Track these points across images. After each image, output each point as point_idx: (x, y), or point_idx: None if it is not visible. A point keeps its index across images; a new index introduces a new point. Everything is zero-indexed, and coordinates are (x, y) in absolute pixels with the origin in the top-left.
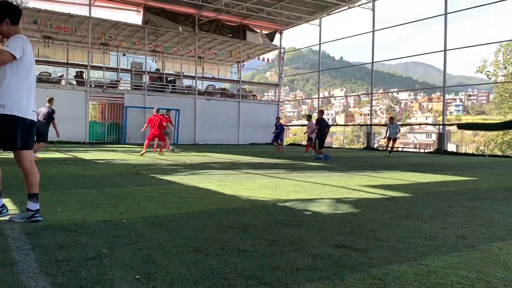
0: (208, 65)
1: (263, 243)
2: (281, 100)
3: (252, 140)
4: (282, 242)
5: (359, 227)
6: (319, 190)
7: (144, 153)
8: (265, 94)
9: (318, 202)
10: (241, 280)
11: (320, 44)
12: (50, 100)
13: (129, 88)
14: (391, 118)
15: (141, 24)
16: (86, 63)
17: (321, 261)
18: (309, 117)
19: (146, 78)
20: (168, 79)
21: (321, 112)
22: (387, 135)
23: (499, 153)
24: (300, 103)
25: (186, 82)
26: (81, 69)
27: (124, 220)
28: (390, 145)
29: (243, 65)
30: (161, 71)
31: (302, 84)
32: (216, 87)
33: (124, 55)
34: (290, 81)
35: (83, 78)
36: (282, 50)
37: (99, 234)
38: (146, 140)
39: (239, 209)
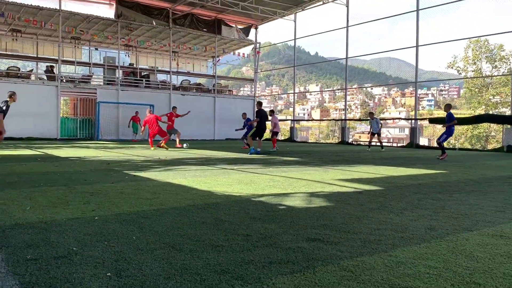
0: (183, 59)
1: (236, 238)
2: (257, 95)
3: (228, 135)
4: (255, 236)
5: (332, 220)
6: (294, 185)
7: (154, 148)
8: (241, 89)
9: (292, 196)
10: (214, 275)
11: (295, 39)
12: (11, 96)
13: (101, 83)
14: (371, 114)
15: (113, 18)
16: (57, 58)
17: (294, 255)
18: (271, 112)
19: (119, 73)
20: (142, 74)
21: (259, 104)
22: (371, 131)
23: (469, 147)
24: (276, 98)
25: (161, 77)
26: (51, 64)
27: (96, 217)
28: (376, 140)
29: (219, 59)
30: (134, 65)
31: (278, 79)
32: (191, 82)
33: (96, 49)
34: (266, 76)
35: (53, 73)
36: (258, 45)
37: (70, 232)
38: (149, 139)
39: (213, 205)
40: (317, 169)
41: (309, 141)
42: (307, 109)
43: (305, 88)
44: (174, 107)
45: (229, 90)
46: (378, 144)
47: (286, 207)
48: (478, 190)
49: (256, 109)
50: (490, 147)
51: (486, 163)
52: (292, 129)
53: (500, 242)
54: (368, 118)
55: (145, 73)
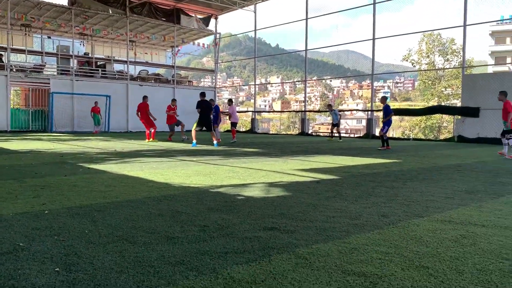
0: (140, 49)
1: (193, 229)
2: (218, 86)
3: (189, 127)
4: (212, 227)
5: (289, 209)
6: (253, 176)
7: (153, 140)
8: (202, 80)
9: (251, 187)
10: (168, 267)
11: (255, 30)
12: None
13: (55, 73)
14: (329, 106)
15: (67, 5)
16: (6, 46)
17: (250, 244)
18: (230, 102)
19: (73, 63)
20: (98, 63)
21: (202, 95)
22: (333, 122)
23: (423, 137)
24: (238, 90)
25: (118, 67)
26: (0, 52)
27: (46, 211)
28: (335, 131)
29: (178, 50)
30: (90, 55)
31: (240, 71)
32: (149, 73)
33: (49, 37)
34: (227, 67)
35: (2, 62)
36: (218, 35)
37: (17, 227)
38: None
39: (170, 197)
40: (277, 160)
41: (271, 132)
42: (269, 101)
43: (266, 79)
44: (173, 100)
45: (189, 81)
46: (337, 134)
47: (245, 197)
48: (430, 178)
49: (199, 100)
50: (442, 137)
51: (438, 153)
52: (253, 120)
53: (448, 227)
54: (327, 110)
55: (101, 62)
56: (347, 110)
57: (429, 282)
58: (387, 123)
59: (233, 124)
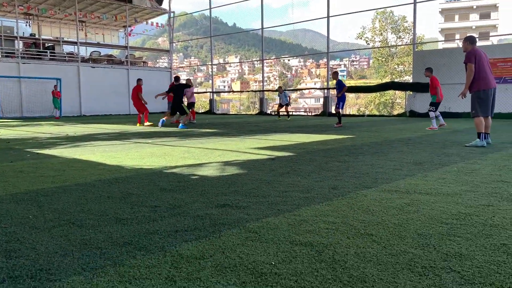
0: (91, 30)
1: (143, 210)
2: (174, 67)
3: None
4: (163, 207)
5: (243, 186)
6: (209, 155)
7: (149, 124)
8: (158, 61)
9: (206, 166)
10: (116, 248)
11: (210, 9)
12: None
13: None
14: (280, 88)
15: None
16: None
17: (201, 222)
18: (188, 82)
19: (19, 44)
20: (46, 45)
21: (176, 79)
22: (280, 102)
23: (377, 113)
24: (195, 70)
25: (67, 48)
26: None
27: None
28: (283, 109)
29: (131, 30)
30: (36, 36)
31: (197, 51)
32: (102, 54)
33: None
34: (184, 47)
35: None
36: (172, 14)
37: None
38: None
39: (122, 179)
40: (234, 139)
41: (230, 113)
42: (228, 81)
43: (224, 59)
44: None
45: (143, 62)
46: (285, 113)
47: (199, 176)
48: (380, 152)
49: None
50: (395, 112)
51: (390, 127)
52: (211, 101)
53: (395, 196)
54: (277, 91)
55: (49, 44)
56: (305, 89)
57: (372, 248)
58: (341, 99)
59: (191, 105)
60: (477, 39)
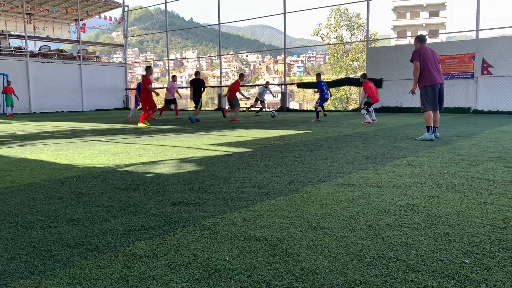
0: (41, 23)
1: (96, 209)
2: (129, 62)
3: (99, 106)
4: (117, 206)
5: (199, 183)
6: (165, 152)
7: (143, 126)
8: (112, 56)
9: (161, 164)
10: (66, 249)
11: (166, 3)
12: None
13: None
14: (267, 82)
15: None
16: None
17: (156, 220)
18: (173, 77)
19: None
20: None
21: (196, 73)
22: (259, 98)
23: (333, 109)
24: (152, 65)
25: (15, 42)
26: None
27: None
28: (259, 104)
29: (84, 24)
30: None
31: (153, 46)
32: (52, 48)
33: None
34: (139, 42)
35: None
36: (126, 8)
37: None
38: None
39: (73, 178)
40: (191, 136)
41: (188, 109)
42: (185, 77)
43: (181, 55)
44: (242, 75)
45: (96, 57)
46: (259, 109)
47: (154, 174)
48: (335, 146)
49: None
50: (350, 108)
51: (346, 123)
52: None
53: (347, 189)
54: (263, 85)
55: None
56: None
57: (324, 241)
58: (320, 97)
59: (173, 101)
60: (426, 37)
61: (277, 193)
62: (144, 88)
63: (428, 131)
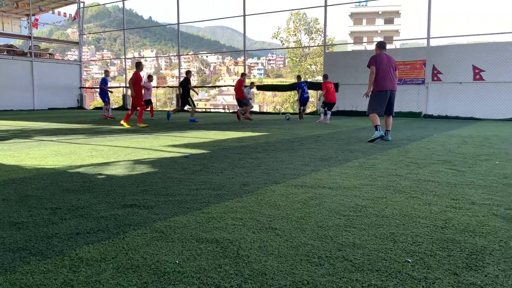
0: None
1: (42, 212)
2: (85, 60)
3: (52, 105)
4: (65, 209)
5: (153, 185)
6: (119, 153)
7: (126, 125)
8: (67, 53)
9: (114, 165)
10: (8, 254)
11: (124, 0)
12: None
13: None
14: (252, 83)
15: None
16: None
17: (105, 223)
18: (149, 77)
19: None
20: None
21: (187, 73)
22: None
23: (291, 111)
24: (108, 64)
25: None
26: None
27: None
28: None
29: (36, 19)
30: None
31: (110, 44)
32: (0, 44)
33: None
34: (95, 39)
35: None
36: (82, 4)
37: None
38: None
39: (20, 180)
40: (147, 137)
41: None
42: (143, 76)
43: (139, 53)
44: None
45: (49, 54)
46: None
47: (106, 176)
48: (291, 148)
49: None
50: (309, 110)
51: (303, 125)
52: (124, 96)
53: (300, 191)
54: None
55: None
56: (223, 86)
57: (275, 242)
58: (300, 98)
59: (149, 102)
60: (386, 44)
61: (231, 195)
62: (137, 84)
63: (376, 129)
